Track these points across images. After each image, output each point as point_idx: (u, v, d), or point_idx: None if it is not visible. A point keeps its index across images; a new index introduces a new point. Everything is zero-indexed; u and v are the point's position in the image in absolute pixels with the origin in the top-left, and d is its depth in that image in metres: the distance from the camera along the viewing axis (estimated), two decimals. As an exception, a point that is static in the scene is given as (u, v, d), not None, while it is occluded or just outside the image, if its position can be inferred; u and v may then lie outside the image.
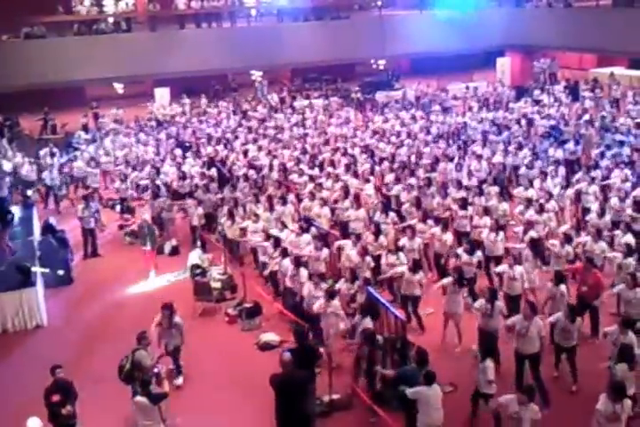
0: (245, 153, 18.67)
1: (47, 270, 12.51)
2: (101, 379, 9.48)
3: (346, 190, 14.21)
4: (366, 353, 8.80)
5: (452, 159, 16.54)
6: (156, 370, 8.12)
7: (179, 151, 19.33)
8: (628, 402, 7.20)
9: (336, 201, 14.43)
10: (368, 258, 11.35)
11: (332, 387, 9.03)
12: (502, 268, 10.80)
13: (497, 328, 9.47)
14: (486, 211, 12.79)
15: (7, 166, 18.57)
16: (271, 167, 16.98)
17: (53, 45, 22.94)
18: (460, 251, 11.47)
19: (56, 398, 7.72)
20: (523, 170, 15.64)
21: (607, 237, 12.02)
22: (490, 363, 8.23)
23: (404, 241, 11.82)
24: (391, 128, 20.53)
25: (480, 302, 9.56)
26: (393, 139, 19.04)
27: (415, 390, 7.68)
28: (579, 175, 14.83)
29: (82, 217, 14.55)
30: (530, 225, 12.13)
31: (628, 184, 14.06)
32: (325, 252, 11.68)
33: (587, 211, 13.49)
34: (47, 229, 14.27)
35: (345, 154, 17.91)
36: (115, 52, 22.98)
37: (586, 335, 10.11)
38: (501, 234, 11.91)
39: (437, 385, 7.75)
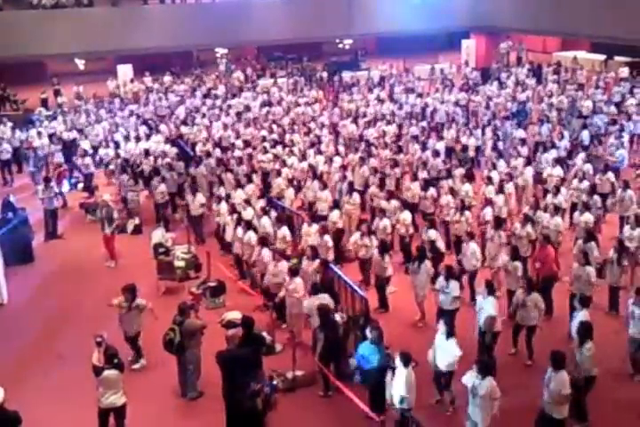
0: (209, 131, 18.45)
1: None
2: (63, 356, 9.47)
3: (313, 171, 14.19)
4: (319, 329, 8.88)
5: (418, 140, 16.63)
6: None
7: (142, 128, 19.05)
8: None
9: (300, 182, 14.41)
10: (327, 237, 11.40)
11: (295, 364, 9.11)
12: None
13: (454, 306, 9.61)
14: (452, 192, 12.91)
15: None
16: (235, 146, 16.84)
17: (10, 18, 22.18)
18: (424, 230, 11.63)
19: None
20: (487, 151, 15.84)
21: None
22: (453, 340, 8.25)
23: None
24: (357, 108, 20.52)
25: (439, 281, 9.74)
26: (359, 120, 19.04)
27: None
28: (540, 156, 15.12)
29: (42, 198, 14.30)
30: (487, 203, 12.31)
31: (589, 165, 14.34)
32: (284, 230, 11.67)
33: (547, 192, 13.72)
34: (7, 206, 14.00)
35: (309, 133, 17.86)
36: (75, 26, 22.33)
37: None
38: (466, 214, 12.03)
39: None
